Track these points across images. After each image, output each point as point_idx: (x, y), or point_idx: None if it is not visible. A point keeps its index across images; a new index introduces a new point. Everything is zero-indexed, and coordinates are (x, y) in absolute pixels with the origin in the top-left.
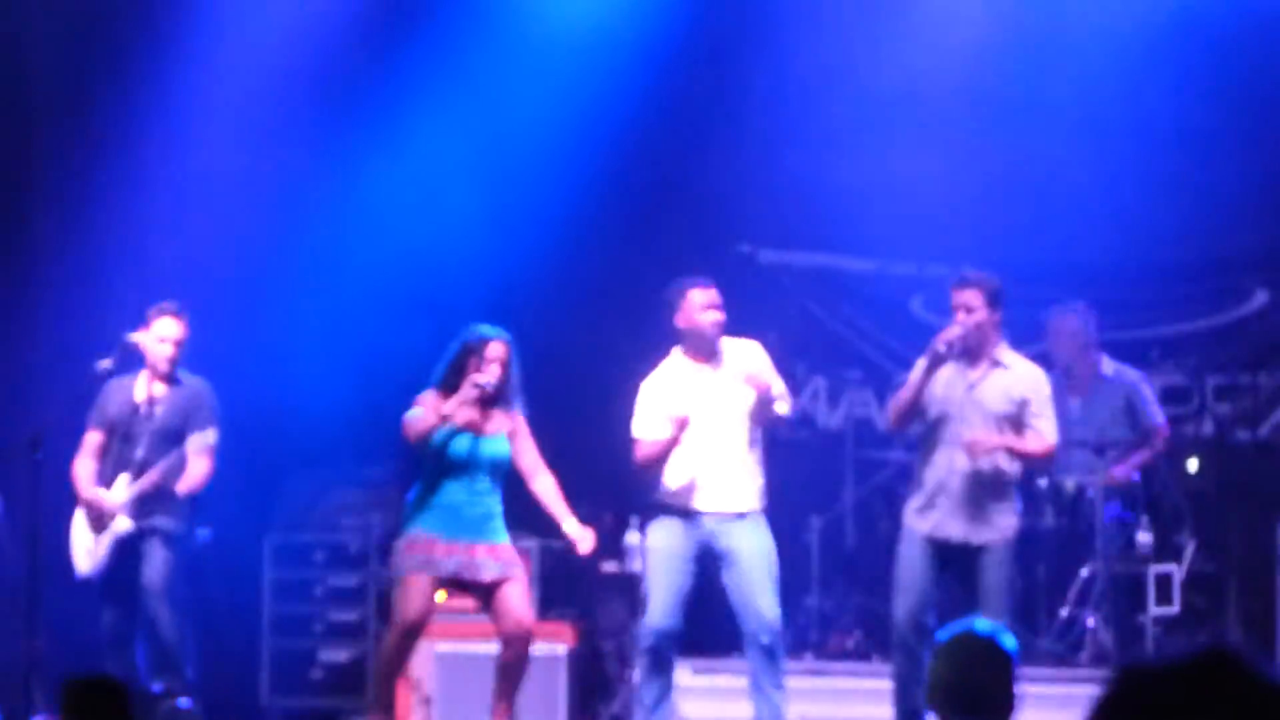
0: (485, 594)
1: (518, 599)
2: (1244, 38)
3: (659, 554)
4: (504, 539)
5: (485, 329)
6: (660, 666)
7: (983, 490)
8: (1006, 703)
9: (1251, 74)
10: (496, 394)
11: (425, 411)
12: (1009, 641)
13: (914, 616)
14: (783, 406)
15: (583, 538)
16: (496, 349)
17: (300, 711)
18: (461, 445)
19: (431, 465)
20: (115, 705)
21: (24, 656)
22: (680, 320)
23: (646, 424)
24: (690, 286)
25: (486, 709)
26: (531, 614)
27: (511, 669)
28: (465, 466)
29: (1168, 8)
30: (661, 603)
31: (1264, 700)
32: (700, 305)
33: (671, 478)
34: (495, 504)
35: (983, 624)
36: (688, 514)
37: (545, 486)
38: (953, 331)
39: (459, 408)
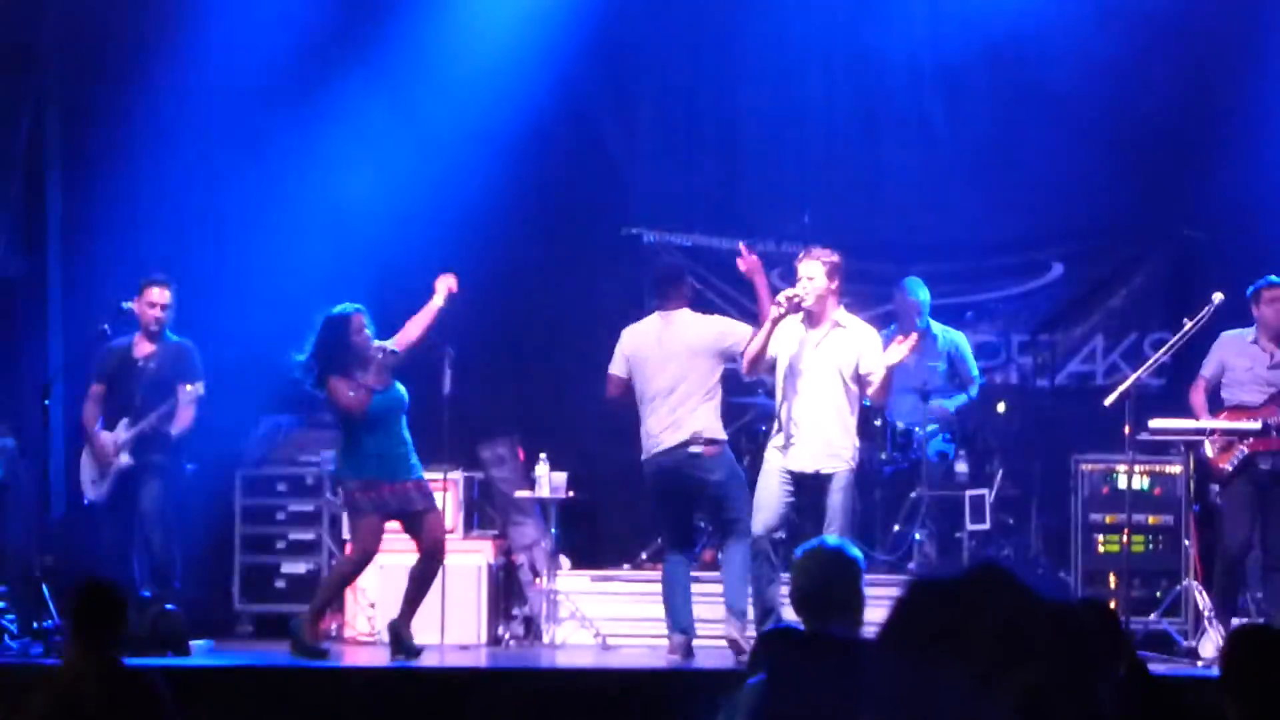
0: (412, 519)
1: (434, 523)
2: (1046, 45)
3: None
4: (421, 473)
5: (344, 307)
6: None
7: (829, 429)
8: (856, 603)
9: (1049, 81)
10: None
11: (356, 392)
12: (855, 551)
13: (769, 531)
14: None
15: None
16: (364, 319)
17: (266, 615)
18: (380, 404)
19: (359, 422)
20: (115, 606)
21: (37, 569)
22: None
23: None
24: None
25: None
26: (443, 536)
27: (425, 577)
28: (384, 419)
29: (975, 18)
30: None
31: (1021, 605)
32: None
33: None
34: (408, 441)
35: (831, 539)
36: None
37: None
38: (791, 292)
39: (378, 377)
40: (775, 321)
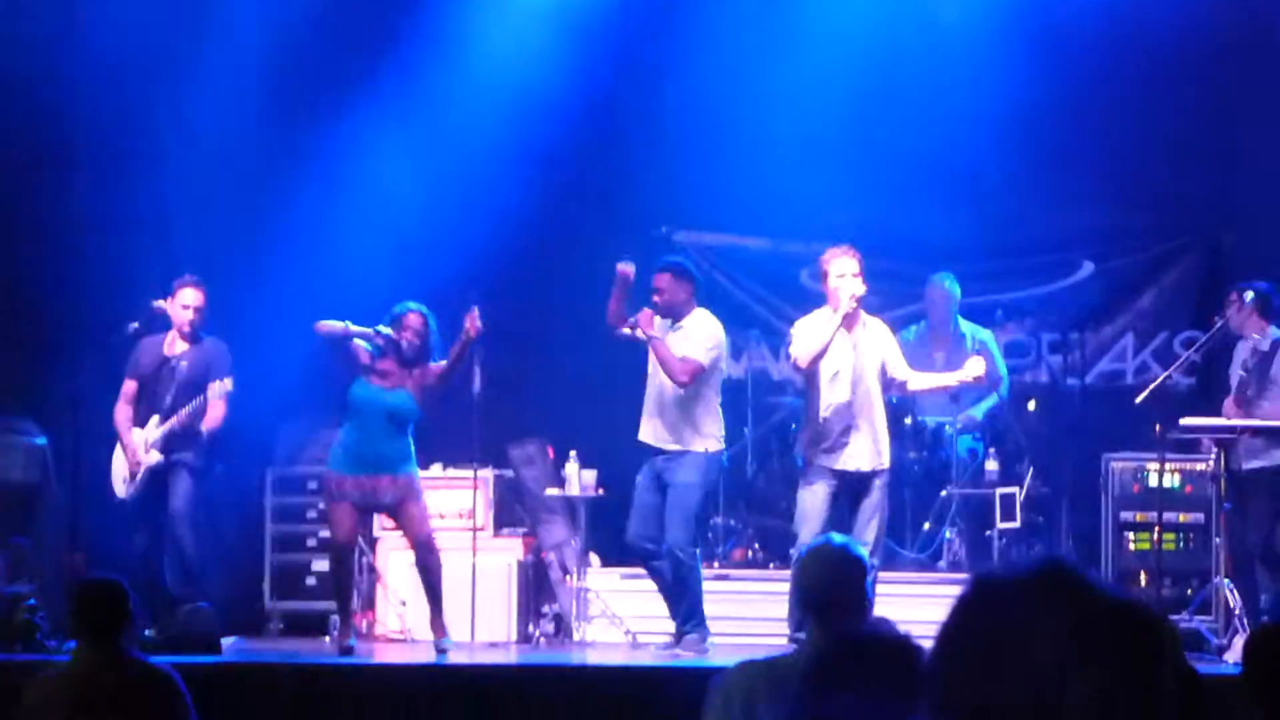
0: (392, 514)
1: (416, 515)
2: (1075, 44)
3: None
4: (404, 471)
5: (408, 304)
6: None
7: (878, 427)
8: (861, 603)
9: (1079, 81)
10: (411, 355)
11: (335, 325)
12: (860, 550)
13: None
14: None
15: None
16: (411, 319)
17: (296, 612)
18: (363, 393)
19: (347, 409)
20: (115, 604)
21: (67, 569)
22: None
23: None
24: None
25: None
26: (428, 527)
27: (425, 571)
28: (362, 412)
29: (1003, 14)
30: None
31: (1091, 602)
32: None
33: None
34: (394, 444)
35: (837, 537)
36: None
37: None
38: (859, 290)
39: (360, 336)
40: (845, 319)
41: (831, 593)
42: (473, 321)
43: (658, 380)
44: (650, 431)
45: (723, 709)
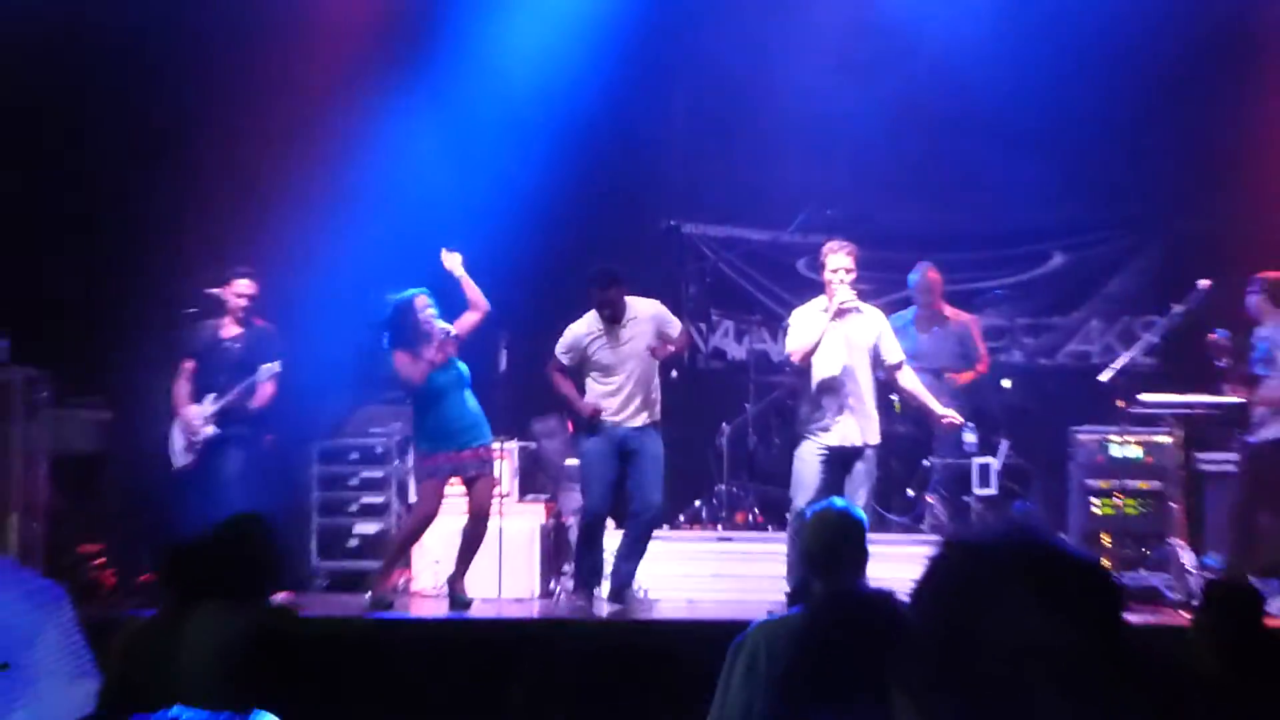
0: (468, 482)
1: (483, 489)
2: (1047, 50)
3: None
4: (484, 439)
5: (409, 291)
6: (593, 540)
7: (870, 405)
8: (861, 560)
9: (1051, 85)
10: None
11: (417, 364)
12: (859, 513)
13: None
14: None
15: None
16: (426, 300)
17: (340, 571)
18: (447, 378)
19: (427, 397)
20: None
21: (134, 530)
22: None
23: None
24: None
25: (479, 568)
26: (491, 501)
27: (472, 538)
28: (447, 392)
29: (992, 18)
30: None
31: (1055, 565)
32: None
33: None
34: (473, 409)
35: (839, 501)
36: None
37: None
38: (848, 295)
39: (439, 354)
40: (837, 318)
41: (836, 552)
42: (451, 260)
43: (633, 366)
44: (633, 411)
45: (746, 668)
